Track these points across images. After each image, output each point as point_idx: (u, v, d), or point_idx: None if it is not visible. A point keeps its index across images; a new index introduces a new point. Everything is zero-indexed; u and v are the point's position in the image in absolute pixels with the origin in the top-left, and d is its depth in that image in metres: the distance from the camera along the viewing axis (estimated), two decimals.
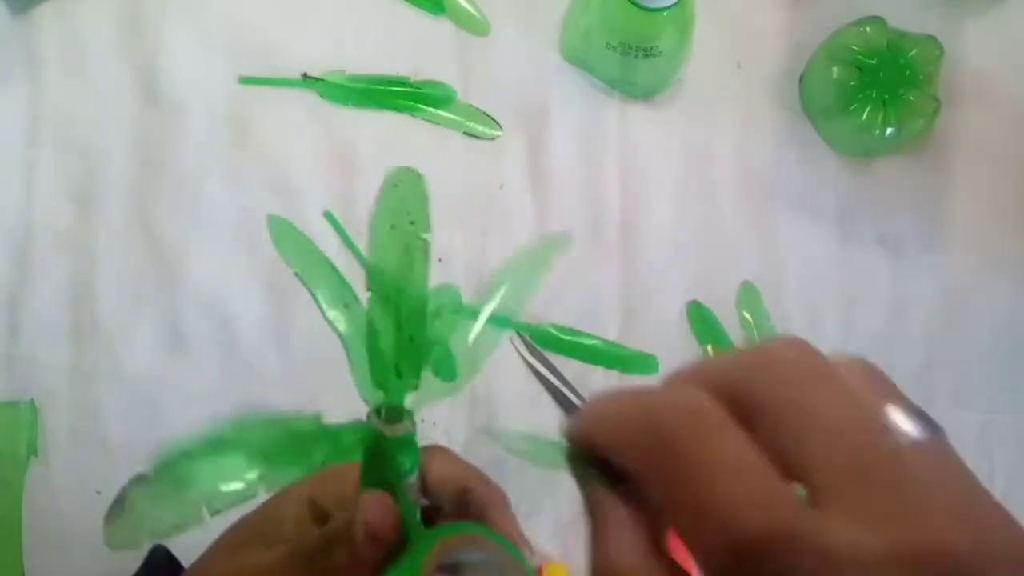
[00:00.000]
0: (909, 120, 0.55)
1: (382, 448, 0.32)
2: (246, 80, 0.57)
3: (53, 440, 0.54)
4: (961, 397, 0.58)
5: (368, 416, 0.33)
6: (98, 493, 0.54)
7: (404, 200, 0.36)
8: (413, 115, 0.58)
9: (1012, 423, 0.58)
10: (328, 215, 0.56)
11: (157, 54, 0.57)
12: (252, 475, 0.31)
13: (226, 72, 0.57)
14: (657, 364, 0.57)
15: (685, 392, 0.24)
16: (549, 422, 0.56)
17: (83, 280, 0.55)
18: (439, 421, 0.55)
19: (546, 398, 0.56)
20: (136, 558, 0.53)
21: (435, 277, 0.56)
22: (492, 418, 0.56)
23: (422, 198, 0.36)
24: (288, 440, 0.33)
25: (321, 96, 0.57)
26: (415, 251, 0.35)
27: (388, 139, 0.57)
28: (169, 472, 0.31)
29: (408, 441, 0.32)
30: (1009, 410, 0.58)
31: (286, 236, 0.37)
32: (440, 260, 0.57)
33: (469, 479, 0.34)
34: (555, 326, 0.57)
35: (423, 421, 0.55)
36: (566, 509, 0.56)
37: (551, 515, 0.55)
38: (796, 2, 0.60)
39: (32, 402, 0.54)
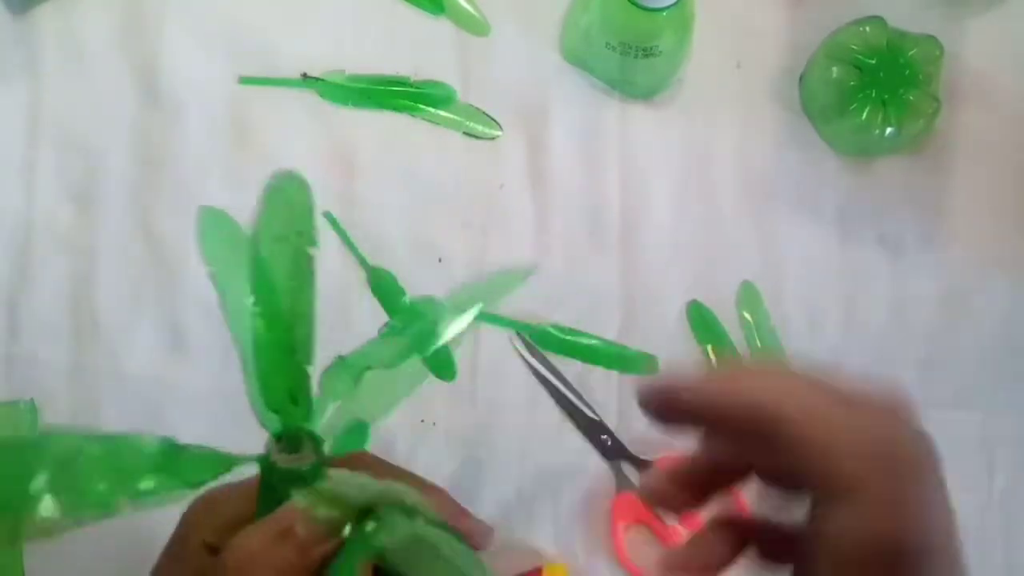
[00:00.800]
0: (909, 120, 0.55)
1: (273, 480, 0.30)
2: (246, 80, 0.57)
3: None
4: (961, 397, 0.58)
5: (267, 444, 0.31)
6: None
7: (290, 208, 0.33)
8: (413, 115, 0.58)
9: (1012, 423, 0.58)
10: (328, 215, 0.56)
11: (157, 54, 0.57)
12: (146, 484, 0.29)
13: (226, 72, 0.57)
14: (657, 364, 0.57)
15: None
16: (549, 422, 0.56)
17: (83, 280, 0.55)
18: (439, 421, 0.55)
19: (546, 398, 0.56)
20: (134, 555, 0.53)
21: (435, 277, 0.57)
22: (493, 418, 0.56)
23: (307, 208, 0.33)
24: (177, 461, 0.30)
25: (321, 96, 0.57)
26: (303, 265, 0.32)
27: (388, 139, 0.57)
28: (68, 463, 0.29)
29: (304, 473, 0.30)
30: (1009, 410, 0.58)
31: (215, 230, 0.32)
32: (440, 260, 0.57)
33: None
34: (555, 326, 0.57)
35: (423, 421, 0.55)
36: (566, 509, 0.56)
37: (551, 515, 0.55)
38: (796, 2, 0.60)
39: (32, 402, 0.54)
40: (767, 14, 0.60)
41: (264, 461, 0.30)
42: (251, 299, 0.32)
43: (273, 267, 0.32)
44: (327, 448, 0.32)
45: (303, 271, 0.32)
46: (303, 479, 0.30)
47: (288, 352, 0.31)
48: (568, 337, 0.57)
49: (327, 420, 0.31)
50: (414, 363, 0.33)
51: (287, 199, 0.33)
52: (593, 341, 0.57)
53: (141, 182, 0.56)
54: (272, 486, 0.30)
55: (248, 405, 0.55)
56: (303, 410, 0.31)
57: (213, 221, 0.32)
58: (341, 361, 0.32)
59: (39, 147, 0.56)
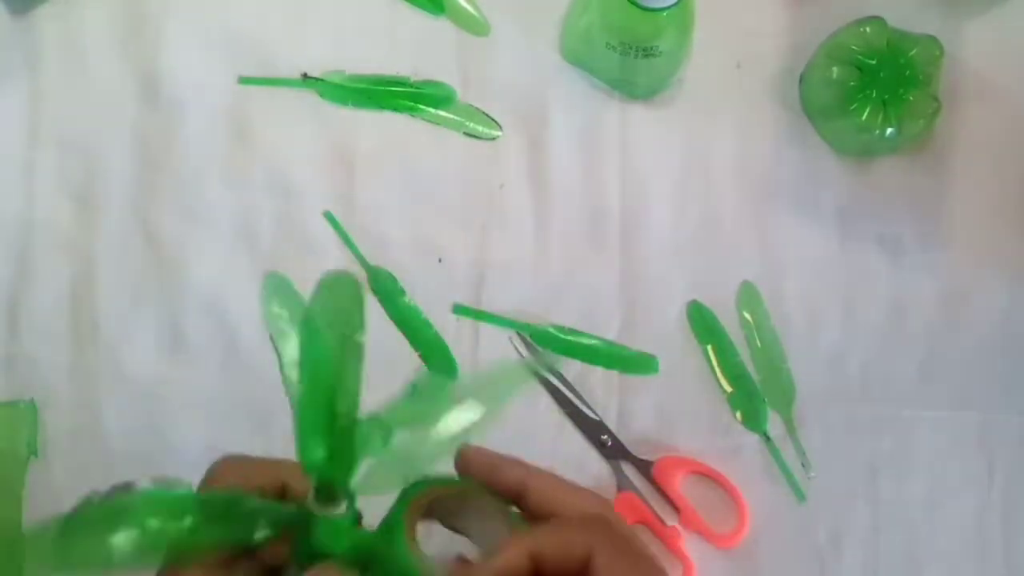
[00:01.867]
0: (909, 120, 0.55)
1: (309, 528, 0.32)
2: (246, 80, 0.57)
3: (53, 440, 0.54)
4: (961, 397, 0.58)
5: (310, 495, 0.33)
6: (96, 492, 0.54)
7: (339, 306, 0.35)
8: (413, 115, 0.58)
9: (1012, 423, 0.58)
10: (328, 215, 0.57)
11: (157, 54, 0.57)
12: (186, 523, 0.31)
13: (226, 72, 0.57)
14: (657, 364, 0.57)
15: None
16: (549, 422, 0.56)
17: (83, 280, 0.55)
18: None
19: (546, 398, 0.56)
20: None
21: (435, 277, 0.57)
22: None
23: (358, 307, 0.35)
24: (227, 509, 0.32)
25: (321, 96, 0.57)
26: (350, 349, 0.34)
27: (388, 139, 0.58)
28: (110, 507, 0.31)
29: (337, 526, 0.32)
30: (1009, 410, 0.58)
31: (277, 294, 0.34)
32: (440, 260, 0.57)
33: None
34: (555, 326, 0.57)
35: None
36: None
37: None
38: (796, 2, 0.60)
39: (32, 402, 0.54)
40: (767, 14, 0.60)
41: (303, 510, 0.32)
42: (296, 367, 0.35)
43: (321, 344, 0.34)
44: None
45: (350, 354, 0.34)
46: (333, 530, 0.32)
47: (328, 416, 0.33)
48: (568, 337, 0.57)
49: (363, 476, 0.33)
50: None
51: (338, 298, 0.35)
52: (593, 341, 0.57)
53: (141, 182, 0.56)
54: (308, 535, 0.32)
55: (251, 400, 0.55)
56: (341, 469, 0.33)
57: (276, 286, 0.34)
58: (374, 419, 0.34)
59: (39, 147, 0.56)
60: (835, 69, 0.56)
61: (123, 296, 0.56)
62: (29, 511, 0.54)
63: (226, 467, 0.35)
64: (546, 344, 0.56)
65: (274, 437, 0.55)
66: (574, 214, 0.58)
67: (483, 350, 0.57)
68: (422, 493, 0.33)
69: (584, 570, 0.32)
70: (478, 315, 0.57)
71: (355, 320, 0.34)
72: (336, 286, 0.34)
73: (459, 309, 0.57)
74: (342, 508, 0.32)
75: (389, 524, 0.32)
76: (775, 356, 0.57)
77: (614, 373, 0.57)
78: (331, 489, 0.32)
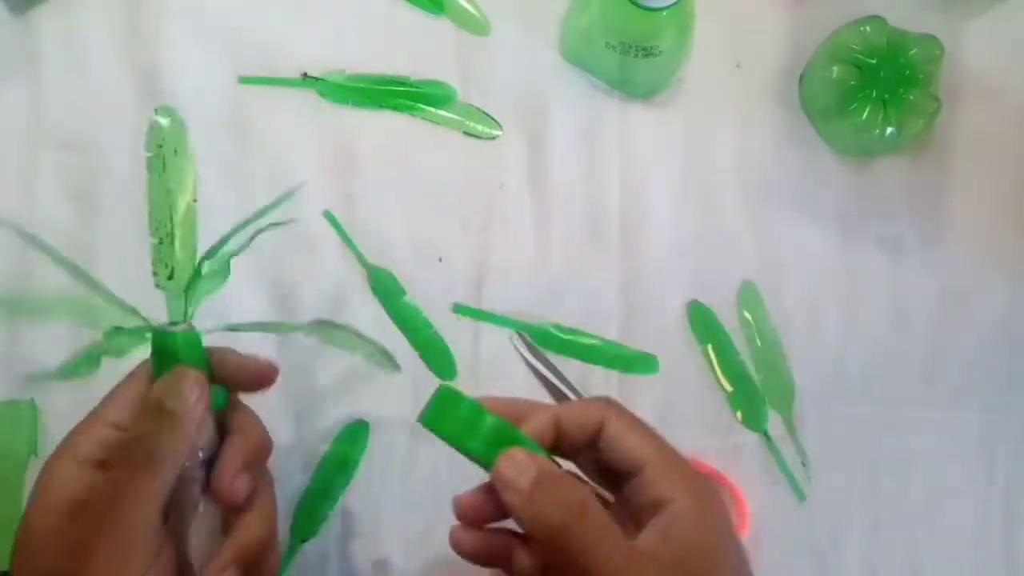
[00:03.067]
0: (909, 120, 0.55)
1: (167, 343, 0.41)
2: (246, 80, 0.57)
3: (53, 440, 0.54)
4: (961, 397, 0.58)
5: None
6: None
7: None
8: (413, 115, 0.58)
9: (1012, 423, 0.58)
10: (328, 215, 0.56)
11: (157, 54, 0.57)
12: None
13: (226, 72, 0.57)
14: (657, 364, 0.57)
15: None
16: None
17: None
18: None
19: (546, 398, 0.56)
20: None
21: (435, 277, 0.57)
22: None
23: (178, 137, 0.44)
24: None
25: (321, 96, 0.57)
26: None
27: (388, 139, 0.58)
28: None
29: (191, 338, 0.41)
30: (1009, 410, 0.58)
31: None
32: (440, 260, 0.57)
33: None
34: (555, 326, 0.57)
35: None
36: None
37: None
38: (796, 2, 0.60)
39: (32, 402, 0.54)
40: (767, 14, 0.60)
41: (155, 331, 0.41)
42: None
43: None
44: None
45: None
46: (194, 340, 0.42)
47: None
48: (568, 337, 0.57)
49: None
50: None
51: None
52: (593, 341, 0.57)
53: (141, 182, 0.56)
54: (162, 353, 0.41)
55: (250, 400, 0.55)
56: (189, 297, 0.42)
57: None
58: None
59: (39, 147, 0.56)
60: (835, 69, 0.56)
61: (123, 296, 0.55)
62: None
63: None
64: (546, 344, 0.56)
65: (273, 437, 0.55)
66: (574, 214, 0.58)
67: (483, 350, 0.57)
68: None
69: (596, 438, 0.39)
70: (478, 315, 0.57)
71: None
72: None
73: (459, 309, 0.57)
74: (186, 327, 0.41)
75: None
76: (775, 356, 0.57)
77: (614, 373, 0.57)
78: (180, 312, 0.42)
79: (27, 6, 0.56)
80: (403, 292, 0.57)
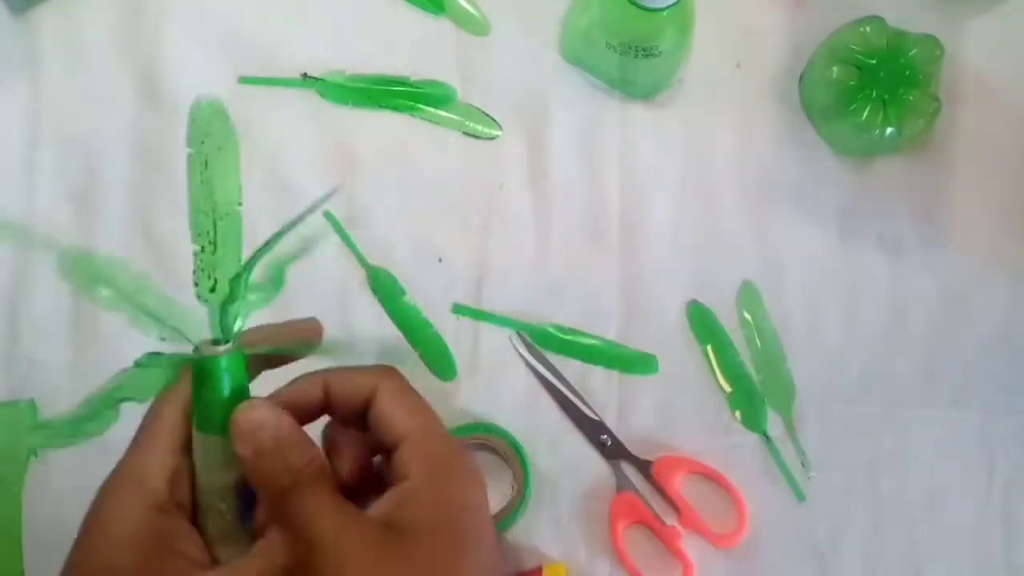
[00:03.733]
0: (909, 120, 0.55)
1: (205, 368, 0.37)
2: (246, 80, 0.57)
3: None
4: (961, 397, 0.58)
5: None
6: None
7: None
8: (413, 115, 0.58)
9: (1012, 423, 0.58)
10: (328, 215, 0.57)
11: (157, 54, 0.57)
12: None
13: (226, 72, 0.57)
14: (657, 364, 0.57)
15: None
16: (549, 422, 0.56)
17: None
18: None
19: (546, 398, 0.56)
20: None
21: (435, 277, 0.57)
22: (493, 418, 0.56)
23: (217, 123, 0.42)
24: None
25: (321, 96, 0.57)
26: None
27: (388, 139, 0.58)
28: None
29: (239, 359, 0.38)
30: (1009, 410, 0.58)
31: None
32: (440, 260, 0.57)
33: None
34: (555, 326, 0.57)
35: None
36: (566, 509, 0.56)
37: (551, 515, 0.55)
38: (796, 2, 0.60)
39: (32, 402, 0.54)
40: (767, 14, 0.60)
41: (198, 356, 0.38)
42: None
43: None
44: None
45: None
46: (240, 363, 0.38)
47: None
48: (568, 337, 0.57)
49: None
50: None
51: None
52: (593, 341, 0.57)
53: (141, 182, 0.56)
54: (203, 377, 0.38)
55: None
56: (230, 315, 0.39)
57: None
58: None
59: (39, 147, 0.56)
60: (835, 69, 0.56)
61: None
62: (29, 511, 0.54)
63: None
64: (546, 344, 0.56)
65: None
66: (574, 214, 0.58)
67: (483, 350, 0.57)
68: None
69: (368, 408, 0.39)
70: (478, 315, 0.57)
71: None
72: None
73: (459, 309, 0.57)
74: (229, 349, 0.38)
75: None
76: (775, 356, 0.57)
77: (614, 373, 0.57)
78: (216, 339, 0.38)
79: (27, 6, 0.56)
80: (403, 292, 0.57)
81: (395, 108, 0.58)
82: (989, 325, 0.58)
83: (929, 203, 0.59)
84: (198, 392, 0.38)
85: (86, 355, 0.55)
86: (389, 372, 0.40)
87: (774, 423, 0.57)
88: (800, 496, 0.57)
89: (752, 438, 0.57)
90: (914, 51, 0.55)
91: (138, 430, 0.39)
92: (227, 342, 0.38)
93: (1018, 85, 0.60)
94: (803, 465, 0.57)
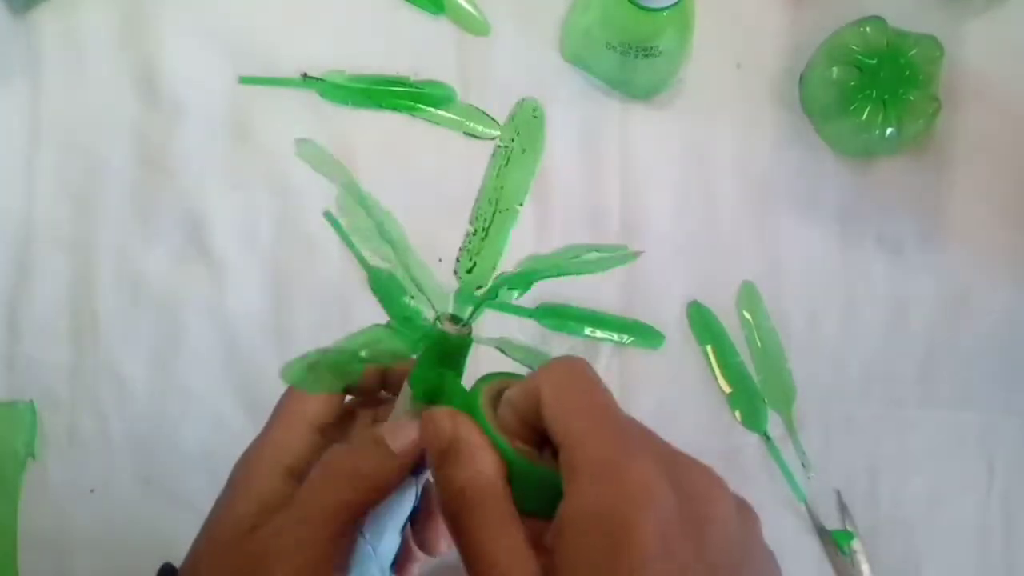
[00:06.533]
0: (909, 120, 0.55)
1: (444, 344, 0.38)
2: (246, 80, 0.57)
3: (52, 440, 0.54)
4: (961, 397, 0.58)
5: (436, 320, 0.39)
6: (91, 491, 0.54)
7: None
8: (413, 115, 0.58)
9: (1012, 423, 0.58)
10: (328, 215, 0.56)
11: (157, 54, 0.57)
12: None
13: (226, 72, 0.57)
14: (662, 339, 0.57)
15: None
16: None
17: (83, 280, 0.55)
18: None
19: None
20: (131, 557, 0.53)
21: (435, 277, 0.56)
22: None
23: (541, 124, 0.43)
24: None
25: (321, 96, 0.57)
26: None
27: (388, 139, 0.57)
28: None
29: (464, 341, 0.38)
30: (1009, 410, 0.58)
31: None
32: (440, 260, 0.57)
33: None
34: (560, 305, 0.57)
35: None
36: None
37: None
38: (796, 2, 0.60)
39: (31, 403, 0.54)
40: (767, 14, 0.60)
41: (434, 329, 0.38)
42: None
43: None
44: None
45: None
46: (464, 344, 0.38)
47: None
48: (574, 310, 0.57)
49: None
50: None
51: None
52: (601, 313, 0.57)
53: (141, 182, 0.56)
54: (436, 352, 0.38)
55: (251, 401, 0.55)
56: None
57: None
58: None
59: (39, 147, 0.56)
60: (835, 69, 0.56)
61: (123, 296, 0.55)
62: (26, 511, 0.53)
63: None
64: (554, 319, 0.56)
65: None
66: (574, 214, 0.58)
67: (483, 349, 0.56)
68: (494, 384, 0.35)
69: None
70: (478, 303, 0.56)
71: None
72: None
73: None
74: (466, 331, 0.38)
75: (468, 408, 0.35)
76: (775, 356, 0.57)
77: (614, 373, 0.57)
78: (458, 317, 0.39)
79: (27, 6, 0.56)
80: (403, 292, 0.56)
81: (395, 108, 0.58)
82: (989, 325, 0.58)
83: (929, 203, 0.59)
84: (430, 363, 0.38)
85: (86, 355, 0.55)
86: (550, 368, 0.33)
87: (774, 423, 0.57)
88: (800, 496, 0.57)
89: (752, 438, 0.57)
90: (914, 51, 0.55)
91: (278, 405, 0.40)
92: (466, 325, 0.39)
93: (1018, 85, 0.60)
94: (803, 465, 0.57)
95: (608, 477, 0.29)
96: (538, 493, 0.31)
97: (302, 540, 0.34)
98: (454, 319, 0.39)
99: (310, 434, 0.38)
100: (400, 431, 0.36)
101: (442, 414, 0.34)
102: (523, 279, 0.39)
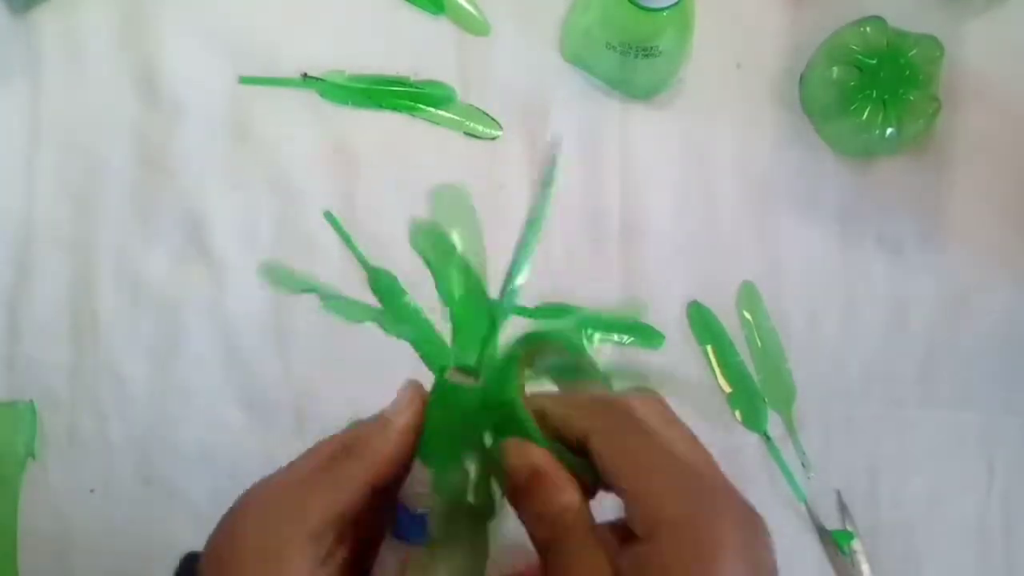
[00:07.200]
0: (909, 120, 0.55)
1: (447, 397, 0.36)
2: (246, 80, 0.57)
3: (52, 440, 0.54)
4: (961, 397, 0.58)
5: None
6: (91, 491, 0.54)
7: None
8: (413, 115, 0.58)
9: (1012, 423, 0.58)
10: (328, 215, 0.56)
11: (157, 54, 0.57)
12: None
13: (226, 72, 0.57)
14: (663, 339, 0.57)
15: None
16: None
17: (83, 280, 0.55)
18: None
19: None
20: (131, 557, 0.53)
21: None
22: None
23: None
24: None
25: (321, 96, 0.57)
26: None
27: (388, 139, 0.57)
28: None
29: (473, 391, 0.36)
30: (1009, 410, 0.58)
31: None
32: None
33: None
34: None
35: None
36: None
37: None
38: (796, 2, 0.60)
39: (31, 403, 0.54)
40: (767, 14, 0.60)
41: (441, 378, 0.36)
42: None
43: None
44: None
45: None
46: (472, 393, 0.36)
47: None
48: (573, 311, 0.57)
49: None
50: None
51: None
52: (600, 312, 0.57)
53: (141, 182, 0.56)
54: (445, 402, 0.36)
55: (251, 400, 0.55)
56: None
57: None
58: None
59: (39, 147, 0.56)
60: (835, 69, 0.56)
61: (123, 296, 0.55)
62: (25, 511, 0.53)
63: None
64: (550, 316, 0.56)
65: (274, 437, 0.55)
66: (574, 214, 0.58)
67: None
68: (532, 348, 0.36)
69: (586, 446, 0.33)
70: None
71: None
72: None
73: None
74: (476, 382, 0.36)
75: (503, 373, 0.36)
76: (775, 356, 0.57)
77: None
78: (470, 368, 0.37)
79: (27, 6, 0.56)
80: (404, 293, 0.56)
81: (395, 108, 0.58)
82: (989, 325, 0.59)
83: (929, 203, 0.59)
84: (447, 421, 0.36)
85: (86, 355, 0.55)
86: (604, 413, 0.34)
87: (774, 423, 0.57)
88: (800, 496, 0.57)
89: (752, 438, 0.57)
90: (914, 51, 0.55)
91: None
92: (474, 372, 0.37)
93: (1018, 85, 0.60)
94: (803, 465, 0.57)
95: (689, 538, 0.30)
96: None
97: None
98: (462, 370, 0.37)
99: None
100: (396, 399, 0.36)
101: (516, 446, 0.34)
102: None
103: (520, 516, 0.34)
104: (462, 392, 0.36)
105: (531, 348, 0.36)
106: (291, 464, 0.35)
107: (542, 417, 0.34)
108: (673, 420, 0.35)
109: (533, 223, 0.39)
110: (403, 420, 0.36)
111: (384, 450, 0.35)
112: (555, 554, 0.32)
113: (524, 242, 0.39)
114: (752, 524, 0.32)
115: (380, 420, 0.36)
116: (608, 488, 0.33)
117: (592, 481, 0.33)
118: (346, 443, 0.35)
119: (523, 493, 0.33)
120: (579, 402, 0.35)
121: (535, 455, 0.33)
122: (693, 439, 0.34)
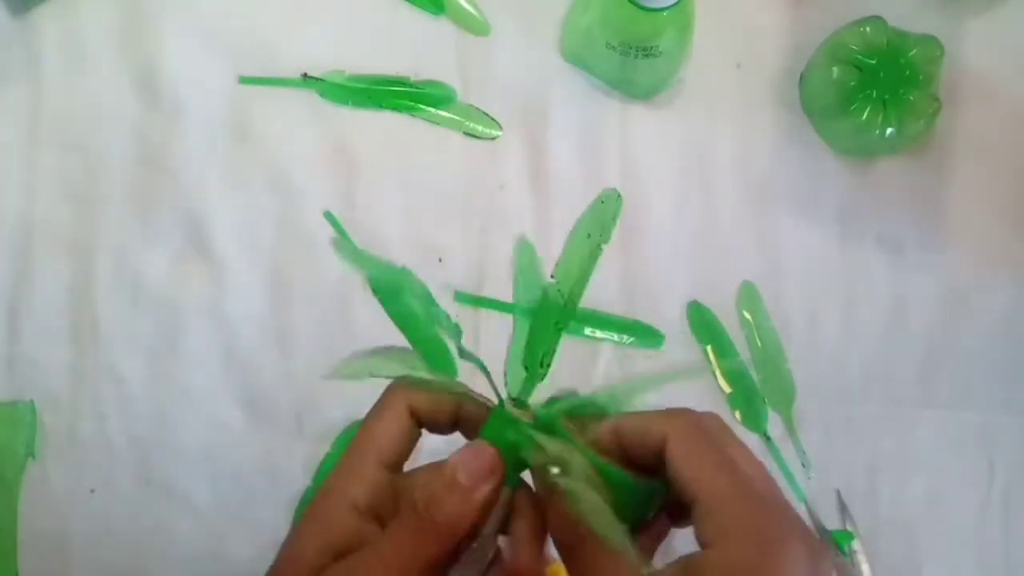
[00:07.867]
0: (909, 120, 0.55)
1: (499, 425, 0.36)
2: (246, 80, 0.57)
3: (52, 440, 0.54)
4: (961, 397, 0.58)
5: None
6: (92, 491, 0.54)
7: (604, 215, 0.50)
8: (413, 115, 0.58)
9: (1012, 423, 0.58)
10: (328, 215, 0.56)
11: (157, 54, 0.57)
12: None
13: (226, 72, 0.57)
14: (663, 339, 0.57)
15: None
16: None
17: (83, 280, 0.55)
18: None
19: None
20: (131, 557, 0.53)
21: (435, 277, 0.57)
22: None
23: (616, 216, 0.51)
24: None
25: (321, 96, 0.57)
26: (594, 258, 0.46)
27: (388, 139, 0.58)
28: None
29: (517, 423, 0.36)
30: (1009, 410, 0.58)
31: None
32: (440, 260, 0.57)
33: None
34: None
35: None
36: None
37: None
38: (796, 2, 0.60)
39: (31, 403, 0.54)
40: (767, 14, 0.60)
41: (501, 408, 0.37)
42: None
43: (573, 256, 0.49)
44: None
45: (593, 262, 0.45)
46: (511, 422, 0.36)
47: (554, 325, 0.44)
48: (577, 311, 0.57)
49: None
50: None
51: (604, 209, 0.50)
52: (601, 313, 0.57)
53: (141, 182, 0.56)
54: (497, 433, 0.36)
55: (251, 400, 0.55)
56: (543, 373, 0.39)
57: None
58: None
59: (39, 147, 0.56)
60: (835, 69, 0.56)
61: (123, 296, 0.55)
62: (25, 511, 0.53)
63: (398, 389, 0.39)
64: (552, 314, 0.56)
65: (274, 437, 0.55)
66: (574, 214, 0.58)
67: (483, 350, 0.56)
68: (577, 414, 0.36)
69: (661, 456, 0.34)
70: (479, 302, 0.56)
71: (608, 231, 0.49)
72: (606, 200, 0.49)
73: (461, 297, 0.57)
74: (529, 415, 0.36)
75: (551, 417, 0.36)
76: (775, 356, 0.57)
77: (615, 372, 0.57)
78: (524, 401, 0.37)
79: (27, 6, 0.56)
80: (403, 292, 0.56)
81: (395, 108, 0.58)
82: (989, 325, 0.59)
83: (929, 203, 0.59)
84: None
85: (86, 355, 0.55)
86: (681, 417, 0.35)
87: (774, 423, 0.57)
88: (800, 496, 0.57)
89: (752, 438, 0.57)
90: (914, 51, 0.55)
91: (350, 446, 0.38)
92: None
93: (1018, 85, 0.60)
94: (803, 465, 0.57)
95: (758, 547, 0.30)
96: (631, 504, 0.34)
97: None
98: (516, 402, 0.38)
99: (381, 472, 0.36)
100: (472, 460, 0.35)
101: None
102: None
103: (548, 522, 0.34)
104: (515, 426, 0.36)
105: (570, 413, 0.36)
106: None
107: (608, 439, 0.35)
108: (736, 437, 0.36)
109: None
110: (482, 494, 0.34)
111: (462, 526, 0.34)
112: (580, 558, 0.32)
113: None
114: (818, 552, 0.32)
115: (452, 482, 0.34)
116: (673, 514, 0.35)
117: (658, 506, 0.34)
118: (418, 509, 0.34)
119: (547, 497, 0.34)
120: (654, 414, 0.36)
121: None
122: (754, 457, 0.35)
